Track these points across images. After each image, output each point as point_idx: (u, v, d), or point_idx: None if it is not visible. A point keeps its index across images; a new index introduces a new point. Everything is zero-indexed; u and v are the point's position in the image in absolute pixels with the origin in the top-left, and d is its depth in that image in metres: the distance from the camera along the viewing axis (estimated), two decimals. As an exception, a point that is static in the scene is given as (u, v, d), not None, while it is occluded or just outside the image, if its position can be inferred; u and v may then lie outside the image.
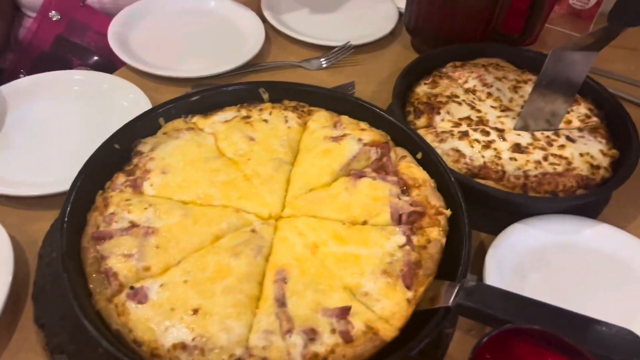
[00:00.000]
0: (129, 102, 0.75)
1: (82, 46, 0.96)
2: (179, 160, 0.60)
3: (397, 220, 0.57)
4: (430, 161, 0.62)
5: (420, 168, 0.62)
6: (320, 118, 0.68)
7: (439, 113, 0.72)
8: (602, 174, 0.68)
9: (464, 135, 0.69)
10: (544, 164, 0.67)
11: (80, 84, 0.78)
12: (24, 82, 0.78)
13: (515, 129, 0.71)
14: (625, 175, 0.65)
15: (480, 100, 0.75)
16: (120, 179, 0.59)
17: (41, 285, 0.55)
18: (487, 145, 0.68)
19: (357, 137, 0.65)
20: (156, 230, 0.54)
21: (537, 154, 0.68)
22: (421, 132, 0.70)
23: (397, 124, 0.66)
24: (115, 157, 0.61)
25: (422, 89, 0.75)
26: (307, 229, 0.56)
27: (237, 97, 0.69)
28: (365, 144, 0.64)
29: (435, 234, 0.55)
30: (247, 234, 0.55)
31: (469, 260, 0.52)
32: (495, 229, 0.63)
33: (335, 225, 0.56)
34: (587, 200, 0.65)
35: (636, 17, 0.66)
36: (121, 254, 0.51)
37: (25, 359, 0.51)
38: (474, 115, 0.72)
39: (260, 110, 0.68)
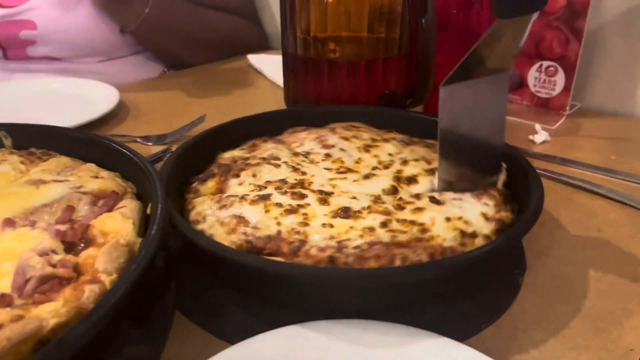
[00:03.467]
0: None
1: None
2: None
3: (20, 288, 0.32)
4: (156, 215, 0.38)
5: (128, 221, 0.39)
6: (52, 164, 0.48)
7: (237, 176, 0.48)
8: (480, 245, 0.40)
9: (262, 198, 0.44)
10: (380, 231, 0.40)
11: None
12: None
13: (437, 190, 0.46)
14: (504, 242, 0.38)
15: (312, 162, 0.51)
16: None
17: None
18: (292, 210, 0.42)
19: (78, 184, 0.44)
20: None
21: (372, 219, 0.41)
22: (199, 200, 0.45)
23: (140, 167, 0.44)
24: None
25: (231, 153, 0.53)
26: None
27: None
28: (79, 192, 0.42)
29: (45, 311, 0.30)
30: None
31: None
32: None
33: None
34: (423, 274, 0.36)
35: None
36: None
37: None
38: (292, 178, 0.48)
39: (-17, 154, 0.49)
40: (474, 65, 0.45)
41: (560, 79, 0.74)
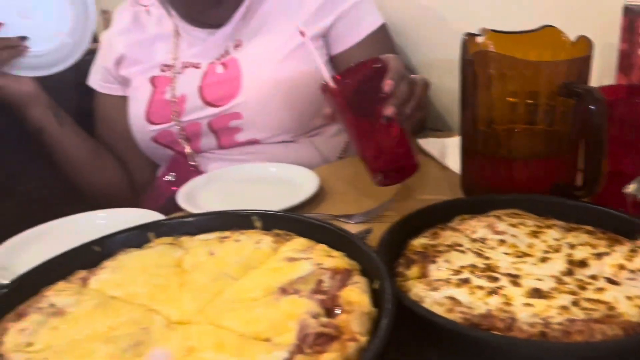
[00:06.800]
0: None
1: None
2: (136, 264, 0.61)
3: (302, 340, 0.47)
4: (383, 290, 0.52)
5: (365, 295, 0.52)
6: (295, 244, 0.64)
7: (434, 262, 0.60)
8: (664, 321, 0.48)
9: (464, 282, 0.56)
10: (574, 309, 0.50)
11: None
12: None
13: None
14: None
15: (490, 248, 0.62)
16: (79, 274, 0.62)
17: None
18: (493, 292, 0.54)
19: (317, 261, 0.59)
20: (64, 313, 0.54)
21: (564, 299, 0.51)
22: (411, 283, 0.58)
23: (360, 249, 0.58)
24: (94, 258, 0.64)
25: (419, 241, 0.64)
26: (197, 334, 0.49)
27: (231, 223, 0.69)
28: (321, 268, 0.57)
29: (329, 359, 0.44)
30: (138, 329, 0.51)
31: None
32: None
33: (229, 335, 0.49)
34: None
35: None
36: (19, 328, 0.52)
37: None
38: (480, 263, 0.59)
39: (242, 233, 0.67)
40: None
41: None
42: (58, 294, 0.57)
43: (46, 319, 0.53)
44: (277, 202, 0.87)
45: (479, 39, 0.80)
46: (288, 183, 0.98)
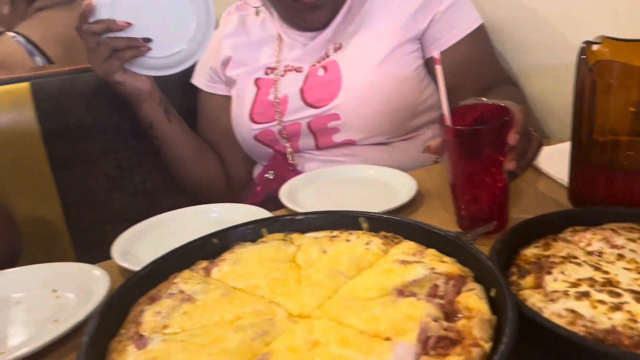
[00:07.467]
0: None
1: None
2: (254, 257, 0.65)
3: (424, 342, 0.48)
4: (502, 298, 0.52)
5: (483, 301, 0.53)
6: (405, 247, 0.65)
7: (550, 273, 0.59)
8: None
9: (584, 295, 0.55)
10: None
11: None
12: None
13: None
14: None
15: (608, 262, 0.60)
16: (201, 264, 0.66)
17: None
18: (616, 307, 0.53)
19: (430, 265, 0.60)
20: (194, 300, 0.58)
21: None
22: (526, 292, 0.57)
23: (473, 256, 0.58)
24: (213, 250, 0.69)
25: (531, 251, 0.64)
26: (319, 328, 0.51)
27: (339, 223, 0.71)
28: (435, 272, 0.58)
29: (454, 362, 0.45)
30: (263, 319, 0.54)
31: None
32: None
33: (350, 332, 0.51)
34: None
35: None
36: (155, 311, 0.57)
37: None
38: (598, 277, 0.58)
39: (351, 234, 0.69)
40: None
41: None
42: (185, 282, 0.61)
43: (178, 304, 0.57)
44: (374, 204, 0.88)
45: (595, 47, 0.77)
46: (385, 186, 0.99)
